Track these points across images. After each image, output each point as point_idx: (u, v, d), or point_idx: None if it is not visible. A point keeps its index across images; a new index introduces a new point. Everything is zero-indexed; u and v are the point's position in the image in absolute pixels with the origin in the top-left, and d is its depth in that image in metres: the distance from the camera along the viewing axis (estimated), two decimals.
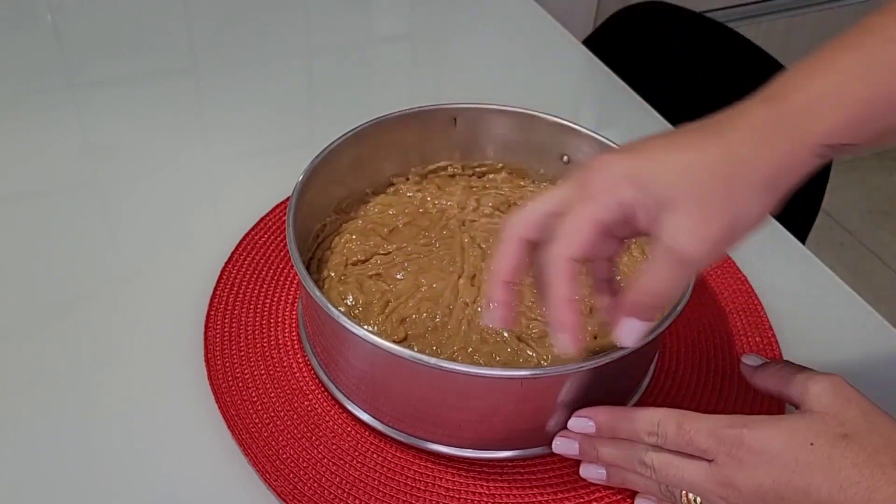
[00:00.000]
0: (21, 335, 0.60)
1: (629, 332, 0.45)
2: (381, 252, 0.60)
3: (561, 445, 0.50)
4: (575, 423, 0.49)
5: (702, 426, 0.44)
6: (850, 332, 0.65)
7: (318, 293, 0.49)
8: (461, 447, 0.52)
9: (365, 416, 0.53)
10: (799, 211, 0.94)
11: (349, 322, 0.48)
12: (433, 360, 0.46)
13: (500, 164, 0.67)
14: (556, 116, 0.64)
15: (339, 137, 0.60)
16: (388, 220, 0.63)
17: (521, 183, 0.67)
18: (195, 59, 0.92)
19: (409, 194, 0.65)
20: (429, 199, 0.65)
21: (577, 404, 0.50)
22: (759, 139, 0.41)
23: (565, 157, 0.65)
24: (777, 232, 0.73)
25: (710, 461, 0.44)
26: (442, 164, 0.67)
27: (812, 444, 0.42)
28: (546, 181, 0.67)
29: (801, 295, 0.67)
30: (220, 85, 0.87)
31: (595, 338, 0.55)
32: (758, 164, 0.41)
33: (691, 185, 0.41)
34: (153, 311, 0.62)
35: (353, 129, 0.61)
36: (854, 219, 1.99)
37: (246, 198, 0.70)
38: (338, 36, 0.96)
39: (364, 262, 0.60)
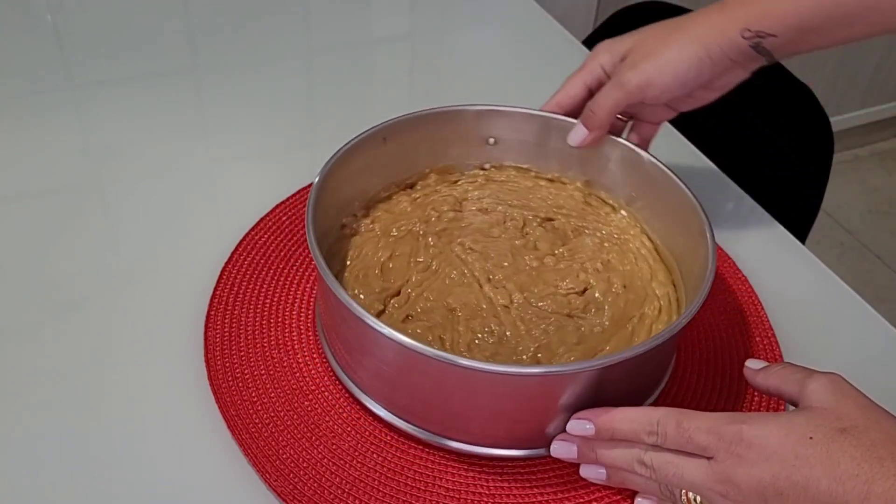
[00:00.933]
0: (21, 335, 0.60)
1: (574, 133, 0.63)
2: (392, 294, 0.58)
3: (559, 449, 0.50)
4: (573, 425, 0.49)
5: (701, 424, 0.44)
6: (850, 332, 0.65)
7: (370, 317, 0.48)
8: (469, 443, 0.52)
9: (370, 404, 0.53)
10: (799, 211, 0.94)
11: (399, 335, 0.47)
12: (460, 360, 0.46)
13: (427, 169, 0.66)
14: (469, 105, 0.64)
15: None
16: (371, 262, 0.59)
17: (453, 178, 0.67)
18: (195, 59, 0.92)
19: (368, 228, 0.62)
20: (389, 227, 0.62)
21: (591, 403, 0.49)
22: (700, 19, 0.59)
23: (491, 140, 0.66)
24: (777, 232, 0.73)
25: (709, 459, 0.44)
26: (379, 189, 0.64)
27: (811, 437, 0.42)
28: (476, 168, 0.67)
29: (801, 295, 0.67)
30: (220, 85, 0.87)
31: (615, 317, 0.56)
32: (693, 29, 0.59)
33: (643, 44, 0.60)
34: (153, 311, 0.62)
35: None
36: (854, 219, 1.99)
37: (246, 198, 0.70)
38: (338, 36, 0.97)
39: (383, 312, 0.56)
